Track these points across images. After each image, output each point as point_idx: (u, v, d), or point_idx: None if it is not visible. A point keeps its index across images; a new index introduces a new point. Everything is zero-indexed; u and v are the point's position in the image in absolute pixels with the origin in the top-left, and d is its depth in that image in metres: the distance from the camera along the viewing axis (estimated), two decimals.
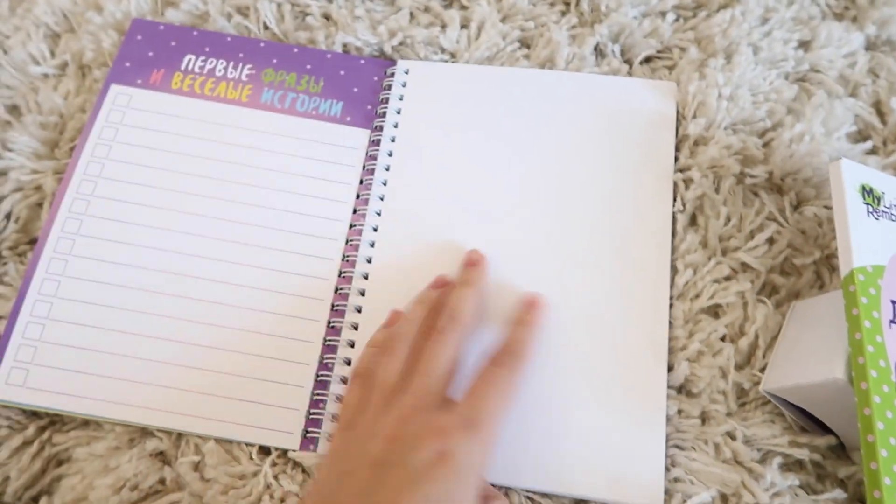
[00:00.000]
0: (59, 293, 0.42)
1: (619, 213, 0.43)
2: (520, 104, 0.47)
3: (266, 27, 0.51)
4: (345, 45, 0.49)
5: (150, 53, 0.49)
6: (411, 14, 0.51)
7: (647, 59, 0.49)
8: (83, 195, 0.44)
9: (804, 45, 0.48)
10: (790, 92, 0.46)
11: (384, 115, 0.47)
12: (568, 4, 0.51)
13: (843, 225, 0.36)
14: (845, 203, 0.36)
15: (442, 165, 0.46)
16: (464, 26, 0.50)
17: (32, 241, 0.46)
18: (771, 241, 0.43)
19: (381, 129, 0.47)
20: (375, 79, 0.49)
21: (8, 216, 0.45)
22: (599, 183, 0.44)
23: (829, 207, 0.43)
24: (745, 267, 0.43)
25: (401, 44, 0.49)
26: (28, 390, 0.40)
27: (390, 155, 0.46)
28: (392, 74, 0.48)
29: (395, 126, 0.47)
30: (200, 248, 0.43)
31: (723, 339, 0.41)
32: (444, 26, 0.50)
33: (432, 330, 0.37)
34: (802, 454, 0.38)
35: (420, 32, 0.49)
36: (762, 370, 0.40)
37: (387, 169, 0.46)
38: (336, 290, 0.43)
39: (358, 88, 0.48)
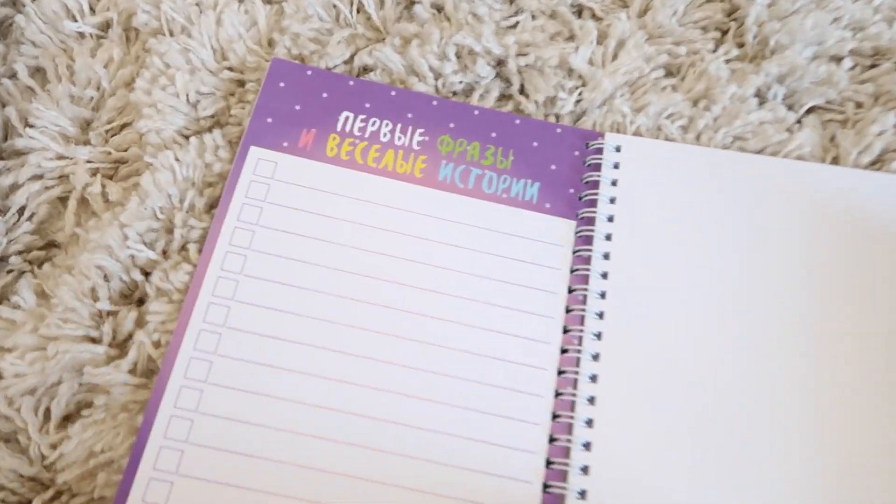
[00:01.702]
0: (200, 408, 0.32)
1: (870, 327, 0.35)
2: (758, 197, 0.38)
3: (359, 10, 0.42)
4: (458, 47, 0.41)
5: (296, 107, 0.38)
6: (532, 16, 0.43)
7: (810, 110, 0.41)
8: (220, 298, 0.34)
9: None
10: None
11: (594, 203, 0.38)
12: (725, 33, 0.43)
13: None
14: None
15: (672, 273, 0.36)
16: (598, 42, 0.42)
17: (48, 247, 0.36)
18: None
19: (590, 221, 0.37)
20: (577, 153, 0.39)
21: (21, 211, 0.36)
22: (847, 296, 0.36)
23: None
24: None
25: (527, 65, 0.40)
26: None
27: (606, 258, 0.37)
28: (598, 150, 0.39)
29: (610, 220, 0.37)
30: (365, 375, 0.33)
31: None
32: (572, 37, 0.42)
33: None
34: None
35: (551, 53, 0.40)
36: None
37: (603, 276, 0.36)
38: (550, 439, 0.33)
39: (556, 165, 0.39)
